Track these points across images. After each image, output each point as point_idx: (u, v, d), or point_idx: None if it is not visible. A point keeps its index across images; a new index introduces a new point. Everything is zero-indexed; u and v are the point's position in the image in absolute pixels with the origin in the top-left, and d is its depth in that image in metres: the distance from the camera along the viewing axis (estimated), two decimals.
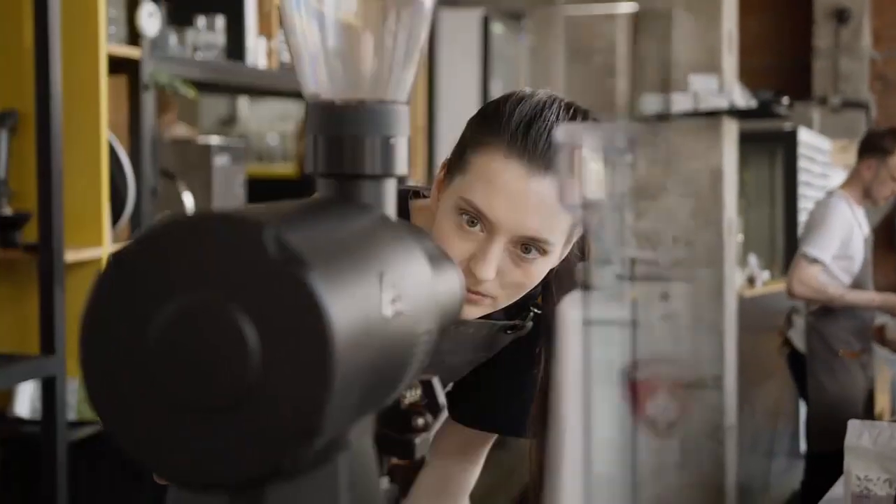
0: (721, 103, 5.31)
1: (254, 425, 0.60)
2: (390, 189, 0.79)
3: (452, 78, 5.17)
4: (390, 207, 0.79)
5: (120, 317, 0.62)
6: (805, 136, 7.20)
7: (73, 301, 2.57)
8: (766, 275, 6.13)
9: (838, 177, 8.33)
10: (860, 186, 4.55)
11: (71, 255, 2.54)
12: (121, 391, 0.62)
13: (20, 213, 2.53)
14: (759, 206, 6.77)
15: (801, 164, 7.13)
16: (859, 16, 9.43)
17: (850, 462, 1.95)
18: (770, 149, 7.01)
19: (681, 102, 5.31)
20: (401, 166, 0.79)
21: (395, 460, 0.88)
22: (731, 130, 5.67)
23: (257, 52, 3.61)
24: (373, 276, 0.66)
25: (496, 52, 5.29)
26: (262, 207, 0.66)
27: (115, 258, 0.62)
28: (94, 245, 2.66)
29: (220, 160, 3.49)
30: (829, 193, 4.75)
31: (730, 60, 5.70)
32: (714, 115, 5.29)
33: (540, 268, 1.30)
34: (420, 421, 0.85)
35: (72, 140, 2.60)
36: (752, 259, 6.30)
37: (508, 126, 1.27)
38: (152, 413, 0.61)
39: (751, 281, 5.80)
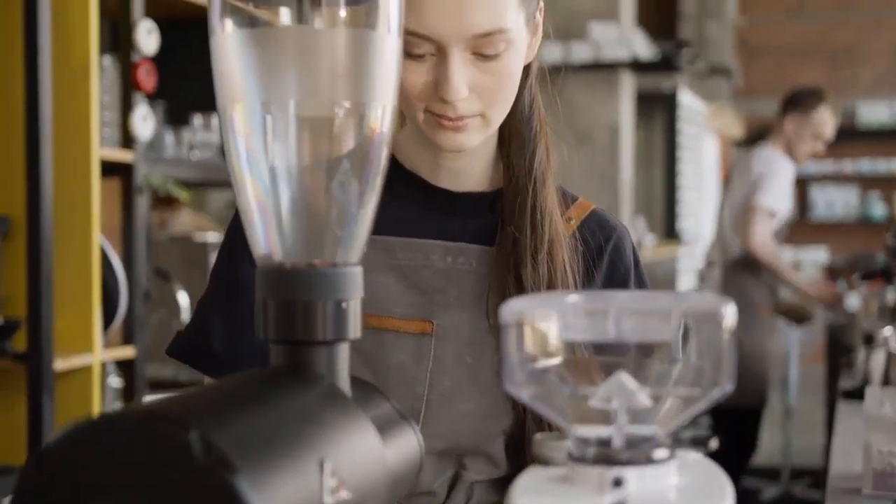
0: (622, 54, 5.29)
1: None
2: (343, 354, 0.76)
3: None
4: (342, 373, 0.76)
5: None
6: (685, 99, 7.19)
7: (63, 411, 2.54)
8: (650, 238, 6.09)
9: (710, 140, 8.39)
10: (783, 143, 4.59)
11: (61, 364, 2.51)
12: None
13: (10, 320, 2.51)
14: (638, 168, 6.70)
15: (679, 126, 7.14)
16: None
17: (870, 434, 1.72)
18: (649, 109, 6.97)
19: (581, 51, 5.27)
20: (354, 330, 0.76)
21: None
22: (628, 84, 5.65)
23: None
24: (312, 465, 0.63)
25: None
26: (194, 398, 0.63)
27: (37, 456, 0.59)
28: (85, 352, 2.63)
29: None
30: (755, 147, 4.78)
31: (628, 8, 5.66)
32: (612, 67, 5.27)
33: (512, 62, 1.18)
34: None
35: (63, 246, 2.59)
36: (640, 222, 6.21)
37: None
38: None
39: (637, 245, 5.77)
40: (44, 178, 2.49)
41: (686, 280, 6.86)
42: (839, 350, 4.38)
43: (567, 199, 1.33)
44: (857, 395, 2.86)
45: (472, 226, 1.29)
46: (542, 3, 1.25)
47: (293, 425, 0.65)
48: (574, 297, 0.68)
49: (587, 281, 1.29)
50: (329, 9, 0.74)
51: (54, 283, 2.51)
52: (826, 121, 4.58)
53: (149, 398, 2.44)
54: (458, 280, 1.26)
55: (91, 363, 2.64)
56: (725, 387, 0.64)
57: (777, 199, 4.43)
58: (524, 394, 0.67)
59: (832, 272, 7.23)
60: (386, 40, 0.75)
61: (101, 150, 2.73)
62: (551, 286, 1.24)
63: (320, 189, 0.77)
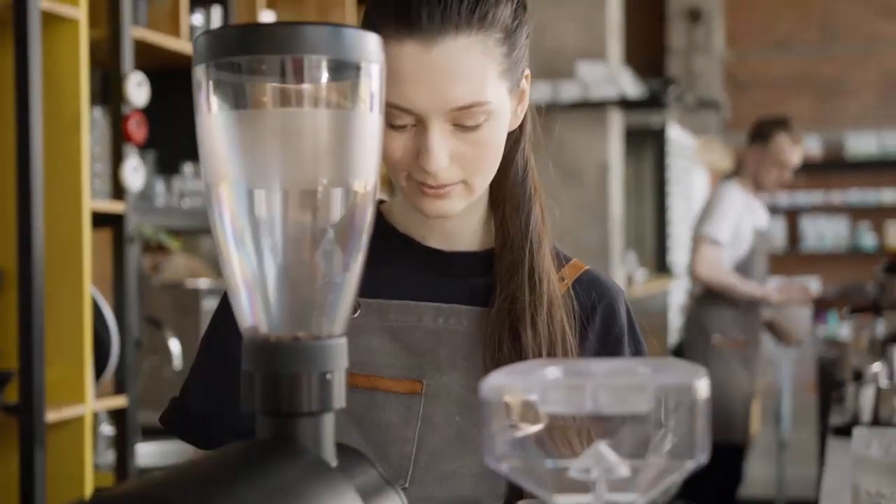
0: (610, 92, 5.36)
1: None
2: (328, 424, 0.78)
3: None
4: (328, 443, 0.78)
5: None
6: (673, 133, 7.28)
7: (55, 463, 2.55)
8: (642, 273, 6.14)
9: (699, 174, 8.48)
10: (750, 175, 4.64)
11: (52, 415, 2.52)
12: None
13: (2, 372, 2.51)
14: (628, 203, 6.76)
15: (668, 160, 7.23)
16: (712, 16, 9.57)
17: (857, 475, 1.73)
18: (638, 145, 7.05)
19: (569, 91, 5.35)
20: (338, 400, 0.78)
21: None
22: (617, 122, 5.71)
23: None
24: None
25: None
26: (181, 475, 0.64)
27: None
28: (77, 403, 2.64)
29: (209, 304, 3.49)
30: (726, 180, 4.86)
31: (615, 46, 5.73)
32: (601, 105, 5.34)
33: (494, 131, 1.19)
34: None
35: (55, 297, 2.60)
36: (631, 257, 6.24)
37: (388, 10, 1.16)
38: None
39: (629, 280, 5.82)
40: (35, 229, 2.51)
41: (677, 314, 6.90)
42: (830, 384, 4.40)
43: (560, 259, 1.34)
44: (847, 431, 2.87)
45: (464, 286, 1.30)
46: (528, 71, 1.26)
47: (279, 501, 0.67)
48: (552, 372, 0.70)
49: (581, 341, 1.30)
50: (312, 85, 0.76)
51: (46, 334, 2.52)
52: (784, 148, 4.58)
53: (142, 445, 2.42)
54: (449, 340, 1.27)
55: (83, 414, 2.64)
56: (700, 458, 0.65)
57: (719, 227, 4.48)
58: (504, 466, 0.69)
59: (823, 303, 7.25)
60: (367, 119, 0.77)
61: (92, 201, 2.74)
62: (551, 347, 1.25)
63: (305, 264, 0.79)
